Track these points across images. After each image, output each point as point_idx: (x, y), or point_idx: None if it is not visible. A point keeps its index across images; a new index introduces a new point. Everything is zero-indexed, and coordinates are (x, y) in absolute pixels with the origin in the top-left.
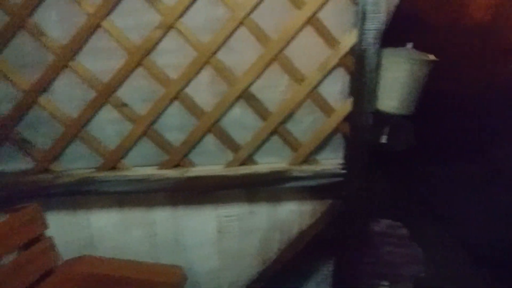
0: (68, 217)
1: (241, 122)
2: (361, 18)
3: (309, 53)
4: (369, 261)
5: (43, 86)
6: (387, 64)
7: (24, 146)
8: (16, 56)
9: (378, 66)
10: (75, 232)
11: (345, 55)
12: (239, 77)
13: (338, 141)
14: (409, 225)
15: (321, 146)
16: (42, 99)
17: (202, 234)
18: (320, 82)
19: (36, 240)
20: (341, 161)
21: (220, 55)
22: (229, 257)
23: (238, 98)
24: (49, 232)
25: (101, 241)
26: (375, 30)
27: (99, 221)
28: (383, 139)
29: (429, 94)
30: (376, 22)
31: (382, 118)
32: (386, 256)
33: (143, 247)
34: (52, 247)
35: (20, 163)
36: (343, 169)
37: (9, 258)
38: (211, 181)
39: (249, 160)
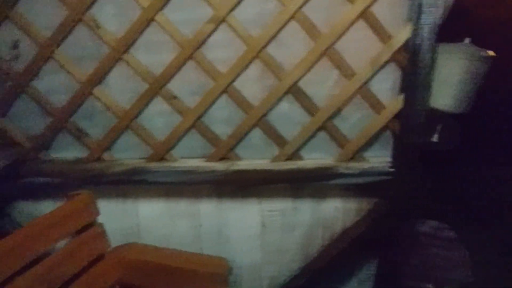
0: (117, 205)
1: (288, 117)
2: (417, 12)
3: (360, 47)
4: (414, 262)
5: (99, 78)
6: (443, 60)
7: (79, 135)
8: (74, 49)
9: (432, 62)
10: (123, 220)
11: (398, 50)
12: (288, 72)
13: (387, 139)
14: (455, 228)
15: (369, 143)
16: (97, 91)
17: (246, 227)
18: (370, 77)
19: (88, 226)
20: (389, 159)
21: (270, 49)
22: (271, 251)
23: (286, 92)
24: (99, 219)
25: (148, 230)
26: (431, 24)
27: (146, 210)
28: (435, 138)
29: (481, 92)
30: (433, 16)
31: (434, 116)
32: (432, 258)
33: (187, 238)
34: (102, 233)
35: (75, 152)
36: (391, 167)
37: (62, 243)
38: (256, 175)
39: (295, 155)
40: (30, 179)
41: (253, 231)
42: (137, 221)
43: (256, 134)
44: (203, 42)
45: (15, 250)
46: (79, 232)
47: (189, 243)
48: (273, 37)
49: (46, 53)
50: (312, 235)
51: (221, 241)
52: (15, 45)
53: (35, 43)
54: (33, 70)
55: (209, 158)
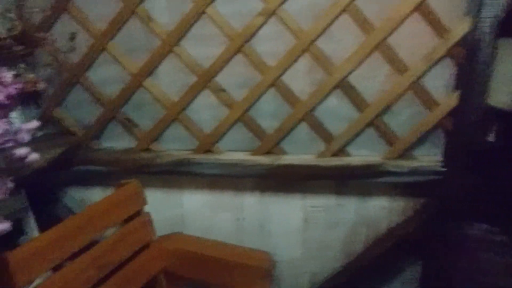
0: (163, 195)
1: (336, 112)
2: (477, 5)
3: (413, 41)
4: (462, 267)
5: (149, 70)
6: (504, 56)
7: (128, 125)
8: (126, 41)
9: (492, 58)
10: (168, 210)
11: (455, 45)
12: (338, 66)
13: (439, 137)
14: (507, 231)
15: (419, 141)
16: (147, 82)
17: (288, 222)
18: (424, 73)
19: (136, 214)
20: (440, 158)
21: (319, 43)
22: (313, 247)
23: (335, 87)
24: (146, 208)
25: (191, 221)
26: (492, 18)
27: (191, 201)
28: (491, 137)
29: None
30: (495, 9)
31: (491, 114)
32: (482, 263)
33: (229, 230)
34: (149, 222)
35: (125, 142)
36: (442, 166)
37: (110, 231)
38: (301, 170)
39: (341, 151)
40: (81, 167)
41: (295, 226)
42: (182, 212)
43: (303, 129)
44: (253, 35)
45: (69, 236)
46: (126, 220)
47: (231, 235)
48: (324, 30)
49: (100, 45)
50: (356, 233)
51: (263, 235)
52: (71, 37)
53: (90, 35)
54: (88, 62)
55: (255, 151)
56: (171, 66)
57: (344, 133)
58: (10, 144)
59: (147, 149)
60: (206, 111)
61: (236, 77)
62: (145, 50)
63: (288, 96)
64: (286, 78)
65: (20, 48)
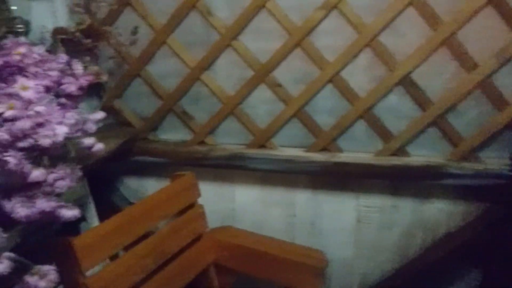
0: (215, 188)
1: (397, 110)
2: None
3: (484, 37)
4: None
5: (207, 64)
6: None
7: (185, 118)
8: (186, 35)
9: None
10: (220, 203)
11: None
12: (401, 62)
13: (508, 139)
14: None
15: (486, 143)
16: (205, 76)
17: (340, 221)
18: (494, 71)
19: (190, 206)
20: (508, 161)
21: (382, 38)
22: (365, 248)
23: (396, 84)
24: (199, 201)
25: (242, 215)
26: None
27: (242, 195)
28: None
29: None
30: None
31: None
32: None
33: (280, 226)
34: (202, 214)
35: (180, 134)
36: (510, 171)
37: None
38: (357, 169)
39: (400, 151)
40: (138, 157)
41: (348, 226)
42: (233, 206)
43: (360, 127)
44: (312, 29)
45: (127, 226)
46: (181, 212)
47: (281, 232)
48: (387, 24)
49: (160, 39)
50: (411, 236)
51: (314, 233)
52: (134, 31)
53: (151, 29)
54: (148, 55)
55: (309, 148)
56: (228, 60)
57: (404, 132)
58: (78, 134)
59: (202, 142)
60: (261, 106)
61: (293, 72)
62: (203, 44)
63: (346, 92)
64: (345, 73)
65: (87, 42)
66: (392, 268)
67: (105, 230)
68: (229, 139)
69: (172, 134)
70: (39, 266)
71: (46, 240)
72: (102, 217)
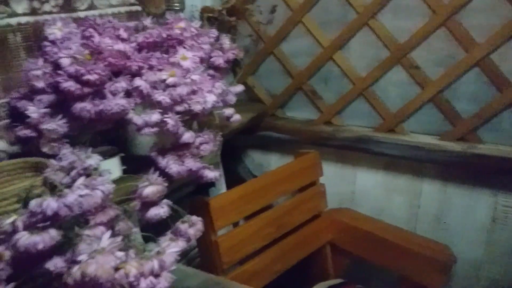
0: (337, 169)
1: None
2: None
3: None
4: None
5: (341, 43)
6: None
7: (313, 98)
8: (322, 14)
9: None
10: (340, 185)
11: None
12: None
13: None
14: None
15: None
16: (337, 56)
17: (471, 218)
18: None
19: (311, 184)
20: None
21: None
22: (497, 251)
23: None
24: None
25: (362, 199)
26: None
27: (364, 179)
28: None
29: None
30: None
31: None
32: None
33: (401, 215)
34: (323, 193)
35: (307, 113)
36: None
37: (285, 197)
38: (499, 164)
39: None
40: (264, 132)
41: (480, 225)
42: (353, 189)
43: (509, 117)
44: (461, 7)
45: (253, 195)
46: (302, 188)
47: (403, 221)
48: None
49: (296, 18)
50: None
51: (439, 228)
52: (272, 10)
53: (288, 8)
54: (283, 34)
55: (444, 136)
56: (363, 40)
57: None
58: (220, 104)
59: (328, 122)
60: (394, 88)
61: (434, 54)
62: (338, 23)
63: (495, 77)
64: (496, 56)
65: (232, 19)
66: None
67: (235, 196)
68: (356, 121)
69: (299, 112)
70: (189, 216)
71: (185, 198)
72: (228, 185)
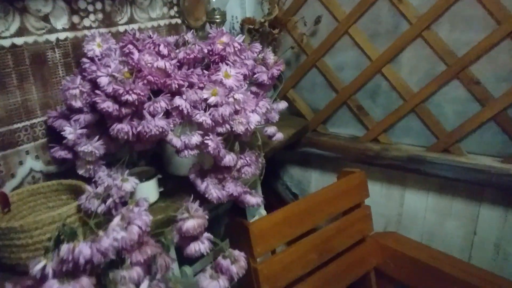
0: (383, 189)
1: None
2: None
3: None
4: None
5: (391, 56)
6: None
7: (358, 113)
8: (370, 25)
9: None
10: (386, 206)
11: None
12: None
13: None
14: None
15: None
16: (386, 69)
17: None
18: None
19: (356, 206)
20: None
21: None
22: None
23: None
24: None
25: (410, 222)
26: None
27: (413, 201)
28: None
29: None
30: None
31: None
32: None
33: (454, 242)
34: (368, 216)
35: (351, 129)
36: None
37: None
38: None
39: None
40: (305, 149)
41: None
42: (400, 211)
43: None
44: None
45: (296, 219)
46: (346, 211)
47: (455, 248)
48: None
49: (343, 29)
50: None
51: (497, 258)
52: (317, 21)
53: (334, 19)
54: (327, 46)
55: (508, 159)
56: (416, 52)
57: None
58: (263, 123)
59: (375, 140)
60: (450, 105)
61: (497, 69)
62: (388, 35)
63: None
64: None
65: (275, 32)
66: None
67: (276, 220)
68: (407, 139)
69: (343, 128)
70: (231, 250)
71: (221, 216)
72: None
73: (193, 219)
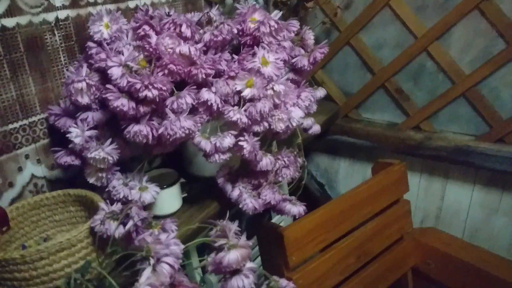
0: (423, 182)
1: None
2: None
3: None
4: None
5: (440, 32)
6: None
7: (398, 98)
8: None
9: None
10: (424, 199)
11: None
12: None
13: None
14: None
15: None
16: (433, 47)
17: None
18: None
19: (394, 202)
20: None
21: None
22: None
23: None
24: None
25: (450, 217)
26: None
27: (455, 195)
28: None
29: None
30: None
31: None
32: None
33: (502, 241)
34: (408, 212)
35: (388, 115)
36: None
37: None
38: None
39: None
40: (334, 136)
41: None
42: (440, 205)
43: None
44: None
45: (332, 222)
46: (385, 208)
47: (502, 248)
48: None
49: (382, 1)
50: None
51: None
52: None
53: None
54: (364, 21)
55: None
56: (470, 27)
57: None
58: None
59: (416, 128)
60: (509, 89)
61: None
62: (437, 8)
63: None
64: None
65: (307, 5)
66: None
67: (312, 225)
68: (454, 127)
69: (378, 114)
70: (276, 279)
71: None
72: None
73: (235, 249)
